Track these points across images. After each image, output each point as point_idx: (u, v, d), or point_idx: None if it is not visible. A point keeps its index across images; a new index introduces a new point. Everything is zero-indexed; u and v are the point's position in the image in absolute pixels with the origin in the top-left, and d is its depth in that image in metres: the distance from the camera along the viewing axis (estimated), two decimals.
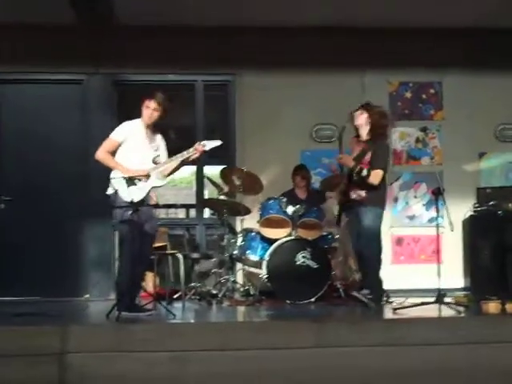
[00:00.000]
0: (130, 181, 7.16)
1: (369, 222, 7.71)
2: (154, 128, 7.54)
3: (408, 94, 10.43)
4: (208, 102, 10.38)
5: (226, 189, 9.21)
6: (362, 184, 7.70)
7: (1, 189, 9.66)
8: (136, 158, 7.35)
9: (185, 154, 7.44)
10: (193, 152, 7.44)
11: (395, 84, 10.42)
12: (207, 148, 7.50)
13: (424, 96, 10.45)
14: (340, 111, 9.76)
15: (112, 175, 7.29)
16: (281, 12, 9.44)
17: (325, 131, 10.18)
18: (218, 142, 7.58)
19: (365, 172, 7.62)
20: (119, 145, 7.39)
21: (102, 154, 7.38)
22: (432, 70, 10.32)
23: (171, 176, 7.71)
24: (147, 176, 7.29)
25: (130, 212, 6.96)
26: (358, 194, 7.79)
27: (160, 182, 7.43)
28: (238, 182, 8.79)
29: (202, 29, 9.71)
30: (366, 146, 7.84)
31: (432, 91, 10.46)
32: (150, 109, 7.41)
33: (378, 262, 7.78)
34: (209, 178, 9.85)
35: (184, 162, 7.54)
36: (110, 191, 7.36)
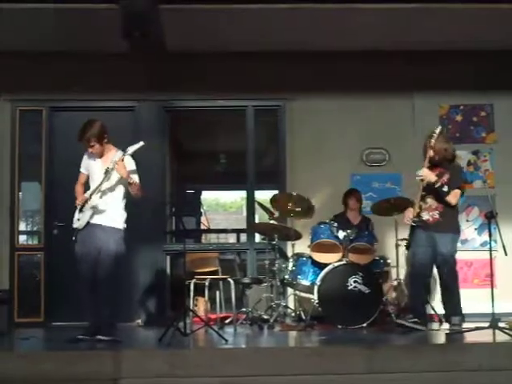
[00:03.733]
0: (80, 208, 7.49)
1: (447, 247, 7.83)
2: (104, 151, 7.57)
3: (459, 117, 10.35)
4: (258, 126, 10.42)
5: (276, 213, 9.23)
6: (438, 201, 7.77)
7: (54, 215, 9.83)
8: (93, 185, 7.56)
9: (105, 172, 7.41)
10: (114, 166, 7.34)
11: (445, 107, 10.35)
12: (130, 152, 7.42)
13: (475, 119, 10.36)
14: (390, 135, 9.83)
15: None
16: (331, 37, 9.46)
17: (375, 155, 10.15)
18: (140, 144, 7.46)
19: (446, 188, 7.67)
20: (87, 176, 7.64)
21: (76, 187, 7.70)
22: (482, 93, 10.23)
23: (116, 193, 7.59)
24: (87, 200, 7.42)
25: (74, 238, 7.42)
26: (432, 215, 7.81)
27: (92, 203, 7.41)
28: (289, 207, 8.81)
29: (252, 54, 9.76)
30: (443, 168, 7.94)
31: (483, 114, 10.37)
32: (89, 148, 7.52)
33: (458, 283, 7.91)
34: (259, 203, 9.88)
35: (112, 176, 7.43)
36: None
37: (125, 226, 7.57)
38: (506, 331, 6.91)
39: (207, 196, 23.29)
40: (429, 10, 8.74)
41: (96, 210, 7.39)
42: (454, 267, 7.89)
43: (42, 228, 10.01)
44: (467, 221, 10.10)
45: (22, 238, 10.52)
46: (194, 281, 8.62)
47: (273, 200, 9.16)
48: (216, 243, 12.49)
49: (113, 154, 7.51)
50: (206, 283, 8.51)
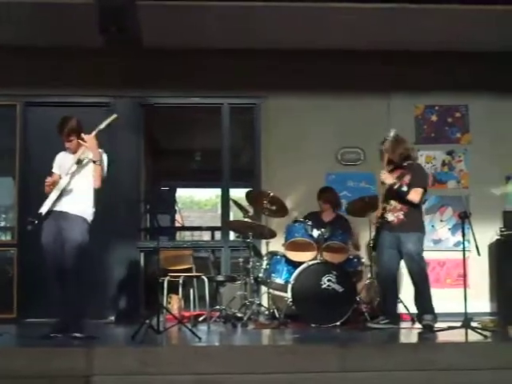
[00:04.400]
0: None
1: (413, 247, 7.82)
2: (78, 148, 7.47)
3: (434, 118, 10.40)
4: (234, 124, 10.41)
5: (251, 212, 9.23)
6: (401, 202, 7.79)
7: (27, 211, 9.75)
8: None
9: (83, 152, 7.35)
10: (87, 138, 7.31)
11: (421, 107, 10.40)
12: (103, 126, 7.38)
13: (450, 119, 10.42)
14: (366, 134, 9.85)
15: None
16: (307, 35, 9.48)
17: (350, 154, 10.17)
18: (113, 116, 7.48)
19: (404, 188, 7.69)
20: (59, 176, 7.45)
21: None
22: (458, 94, 10.30)
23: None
24: (55, 183, 7.34)
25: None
26: (397, 216, 7.84)
27: (54, 192, 7.33)
28: (264, 206, 8.81)
29: (228, 52, 9.76)
30: (404, 169, 7.98)
31: (458, 114, 10.42)
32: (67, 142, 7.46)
33: (428, 282, 7.88)
34: (234, 201, 9.87)
35: (89, 149, 7.32)
36: None
37: (91, 219, 7.42)
38: (479, 331, 6.96)
39: (182, 193, 23.25)
40: (405, 10, 8.78)
41: (64, 197, 7.29)
42: (421, 266, 7.89)
43: (16, 224, 9.93)
44: (441, 221, 10.16)
45: None
46: (167, 278, 8.61)
47: (248, 197, 9.16)
48: (190, 241, 12.47)
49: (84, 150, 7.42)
50: (180, 281, 8.50)
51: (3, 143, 10.29)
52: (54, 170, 7.61)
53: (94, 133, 7.31)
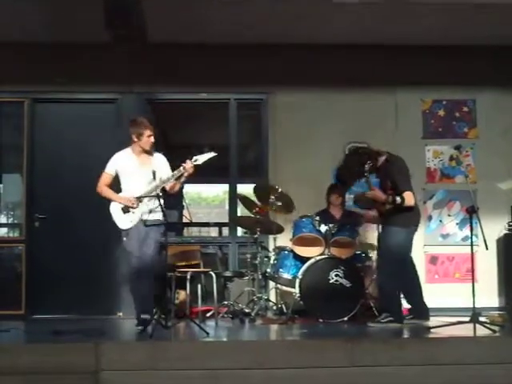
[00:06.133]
0: (126, 209, 7.71)
1: (386, 240, 7.79)
2: (150, 150, 7.93)
3: (441, 112, 10.38)
4: (241, 120, 10.41)
5: (259, 204, 9.21)
6: (400, 210, 7.65)
7: (35, 207, 9.78)
8: (128, 185, 7.78)
9: (175, 174, 7.71)
10: (183, 170, 7.68)
11: (428, 102, 10.37)
12: (199, 162, 7.70)
13: (457, 114, 10.39)
14: (373, 129, 9.82)
15: (111, 204, 7.81)
16: (314, 30, 9.47)
17: None
18: (211, 154, 7.75)
19: (399, 200, 7.58)
20: (113, 177, 7.87)
21: (99, 188, 7.88)
22: (465, 88, 10.28)
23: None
24: (139, 201, 7.65)
25: (124, 238, 7.73)
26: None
27: (147, 206, 7.68)
28: (271, 201, 8.81)
29: (235, 47, 9.76)
30: (384, 175, 7.88)
31: (465, 109, 10.40)
32: (151, 136, 7.84)
33: (393, 281, 7.71)
34: (242, 197, 9.86)
35: (181, 180, 7.80)
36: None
37: None
38: (487, 325, 6.94)
39: (190, 189, 23.20)
40: (412, 5, 8.76)
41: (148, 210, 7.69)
42: (390, 261, 7.68)
43: (24, 220, 9.95)
44: (449, 215, 10.15)
45: (3, 231, 10.51)
46: (175, 274, 8.61)
47: (255, 193, 9.16)
48: (198, 236, 12.43)
49: (157, 157, 7.96)
50: (188, 276, 8.49)
51: (11, 140, 10.30)
52: (109, 172, 7.90)
53: (191, 164, 7.67)
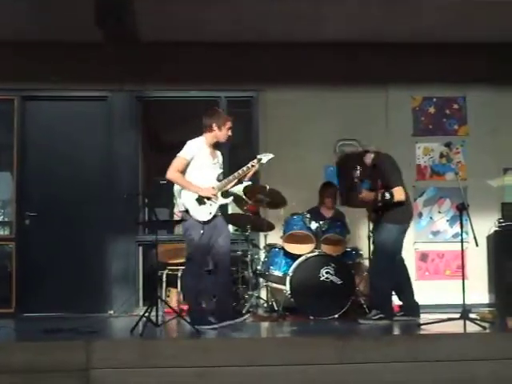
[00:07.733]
0: (201, 200, 7.33)
1: (378, 236, 7.84)
2: (222, 143, 7.78)
3: (432, 109, 10.39)
4: (231, 117, 10.37)
5: (250, 202, 9.20)
6: (392, 206, 7.70)
7: (26, 205, 9.76)
8: (201, 175, 7.42)
9: (240, 173, 7.55)
10: (248, 170, 7.55)
11: (419, 99, 10.39)
12: (264, 161, 7.59)
13: (448, 111, 10.41)
14: (363, 126, 9.83)
15: (182, 194, 7.39)
16: (304, 28, 9.48)
17: (348, 147, 10.14)
18: (270, 155, 7.66)
19: (387, 196, 7.61)
20: (188, 163, 7.38)
21: (172, 174, 7.37)
22: (456, 85, 10.30)
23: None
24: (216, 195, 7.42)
25: (202, 231, 7.29)
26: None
27: (225, 199, 7.60)
28: (261, 198, 8.80)
29: (225, 45, 9.75)
30: (375, 174, 7.91)
31: (456, 106, 10.41)
32: (230, 129, 7.65)
33: (385, 278, 7.74)
34: (232, 194, 9.85)
35: (241, 179, 7.68)
36: (181, 208, 7.47)
37: None
38: (477, 322, 6.97)
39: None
40: (402, 2, 8.77)
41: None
42: (381, 258, 7.77)
43: (14, 218, 9.93)
44: (439, 212, 10.17)
45: None
46: (166, 272, 8.60)
47: (245, 190, 9.15)
48: None
49: (219, 154, 7.78)
50: (179, 274, 8.49)
51: (1, 138, 10.29)
52: (185, 156, 7.41)
53: (256, 163, 7.58)
